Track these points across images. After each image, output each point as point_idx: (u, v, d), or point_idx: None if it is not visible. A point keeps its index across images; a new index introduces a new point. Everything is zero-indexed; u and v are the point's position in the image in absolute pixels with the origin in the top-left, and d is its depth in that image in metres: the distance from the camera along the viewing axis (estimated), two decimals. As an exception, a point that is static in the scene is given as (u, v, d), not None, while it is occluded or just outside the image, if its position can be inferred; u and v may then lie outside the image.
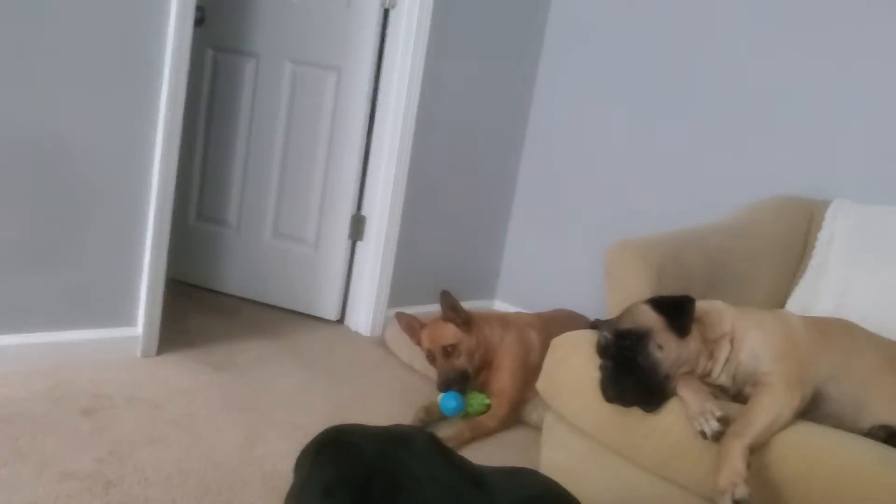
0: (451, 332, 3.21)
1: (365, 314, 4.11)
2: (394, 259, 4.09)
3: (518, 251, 4.71)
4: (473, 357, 3.22)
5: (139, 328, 3.21)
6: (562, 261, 4.42)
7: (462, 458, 1.56)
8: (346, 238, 4.10)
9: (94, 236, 3.05)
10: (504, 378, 3.25)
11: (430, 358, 3.26)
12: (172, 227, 3.31)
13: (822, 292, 3.03)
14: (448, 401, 3.07)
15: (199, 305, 4.03)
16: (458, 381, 3.15)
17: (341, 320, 4.21)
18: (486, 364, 3.28)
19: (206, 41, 4.11)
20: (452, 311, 3.21)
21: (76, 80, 2.88)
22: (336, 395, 3.22)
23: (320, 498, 1.33)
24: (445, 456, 1.49)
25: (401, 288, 4.15)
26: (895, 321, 2.80)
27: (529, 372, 3.15)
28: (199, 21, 3.81)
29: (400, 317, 3.40)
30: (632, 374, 2.30)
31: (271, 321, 4.03)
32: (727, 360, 2.32)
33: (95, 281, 3.08)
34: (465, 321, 3.23)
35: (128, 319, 3.19)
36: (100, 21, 2.88)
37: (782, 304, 3.04)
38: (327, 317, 4.19)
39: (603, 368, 2.37)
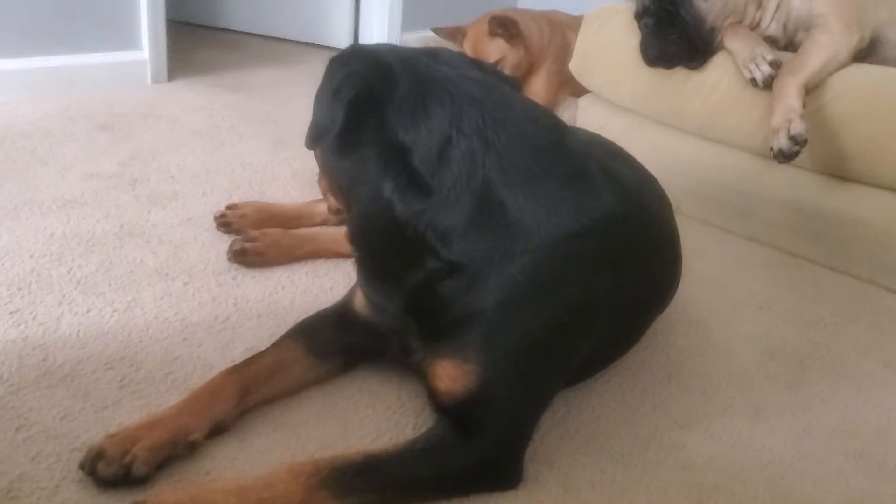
0: (496, 48, 2.99)
1: (378, 40, 3.90)
2: (404, -23, 3.83)
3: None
4: (520, 68, 3.03)
5: (145, 52, 3.05)
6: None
7: (499, 70, 1.44)
8: (353, -42, 3.83)
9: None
10: (539, 82, 3.09)
11: None
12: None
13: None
14: None
15: (204, 41, 3.84)
16: None
17: (354, 49, 4.01)
18: (530, 69, 3.11)
19: None
20: (502, 28, 2.97)
21: None
22: (358, 107, 3.10)
23: (331, 97, 1.22)
24: (478, 64, 1.36)
25: (414, 8, 3.91)
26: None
27: (565, 77, 3.00)
28: None
29: (438, 30, 3.23)
30: (675, 29, 2.15)
31: (281, 52, 3.85)
32: (778, 7, 2.16)
33: (94, 2, 2.88)
34: (514, 34, 3.00)
35: (132, 43, 3.02)
36: None
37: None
38: (339, 46, 3.98)
39: (644, 26, 2.22)
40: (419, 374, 1.29)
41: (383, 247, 1.26)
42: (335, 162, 1.28)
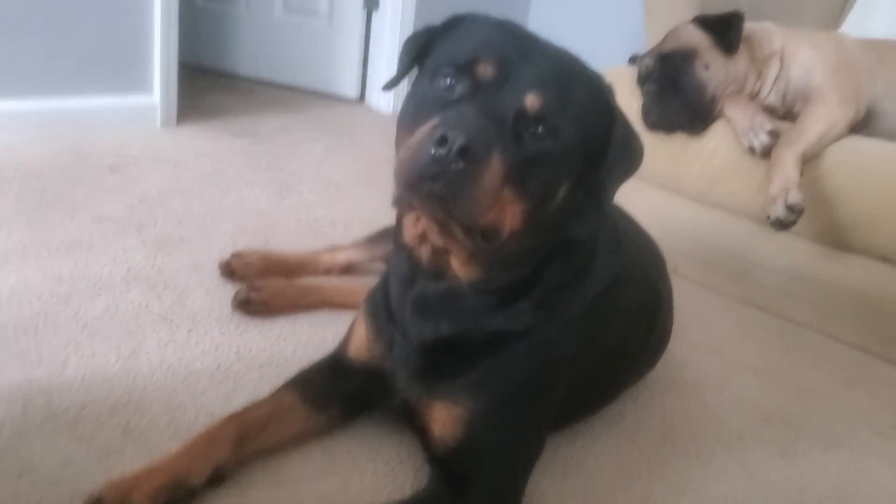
0: None
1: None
2: (412, 29, 3.90)
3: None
4: None
5: (156, 96, 3.10)
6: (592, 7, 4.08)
7: None
8: (361, 8, 3.90)
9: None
10: None
11: None
12: (180, 8, 3.12)
13: (875, 18, 2.84)
14: None
15: (214, 86, 3.89)
16: None
17: (361, 98, 4.08)
18: None
19: None
20: None
21: None
22: (366, 156, 3.14)
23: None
24: None
25: (421, 60, 3.97)
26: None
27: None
28: None
29: None
30: (676, 96, 2.20)
31: (289, 98, 3.90)
32: (777, 78, 2.21)
33: (107, 45, 2.93)
34: None
35: (143, 86, 3.07)
36: None
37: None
38: (346, 95, 4.05)
39: (646, 93, 2.27)
40: (413, 420, 1.33)
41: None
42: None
